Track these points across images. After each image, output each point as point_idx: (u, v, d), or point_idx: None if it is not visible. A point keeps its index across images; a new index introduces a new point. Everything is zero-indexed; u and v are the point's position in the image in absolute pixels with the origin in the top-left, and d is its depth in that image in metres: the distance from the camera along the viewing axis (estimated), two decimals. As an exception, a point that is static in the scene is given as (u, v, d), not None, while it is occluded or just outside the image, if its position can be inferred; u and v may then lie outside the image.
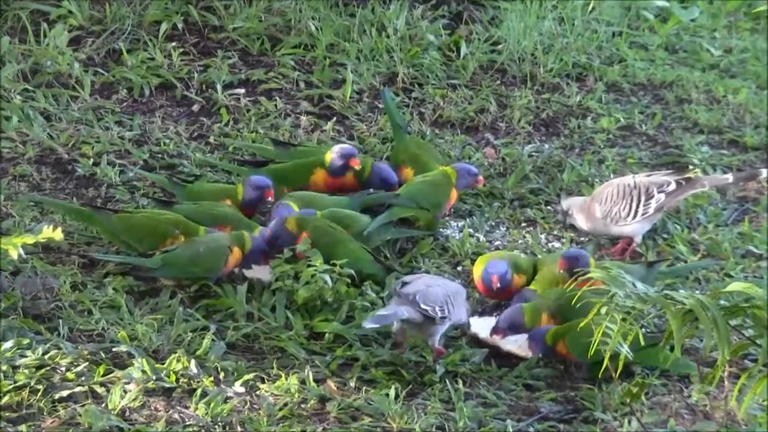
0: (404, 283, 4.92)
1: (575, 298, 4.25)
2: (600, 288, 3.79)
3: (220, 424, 4.42)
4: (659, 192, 5.83)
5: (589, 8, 7.81)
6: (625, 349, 4.17)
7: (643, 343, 3.99)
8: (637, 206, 5.79)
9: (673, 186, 5.85)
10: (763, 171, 6.14)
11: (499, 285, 5.18)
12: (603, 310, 3.81)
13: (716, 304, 3.64)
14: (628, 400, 4.56)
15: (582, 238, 5.94)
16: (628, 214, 5.78)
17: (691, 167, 6.39)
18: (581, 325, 4.20)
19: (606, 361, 4.00)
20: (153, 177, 5.95)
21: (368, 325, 4.77)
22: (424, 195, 5.79)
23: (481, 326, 5.11)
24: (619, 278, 3.78)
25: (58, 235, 3.56)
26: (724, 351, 3.61)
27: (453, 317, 4.86)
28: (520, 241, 5.90)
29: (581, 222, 5.84)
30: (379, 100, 6.76)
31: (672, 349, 4.69)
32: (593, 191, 6.01)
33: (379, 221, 5.60)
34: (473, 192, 6.19)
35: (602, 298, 3.83)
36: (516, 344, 5.01)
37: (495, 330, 4.98)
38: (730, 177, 6.07)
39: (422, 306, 4.77)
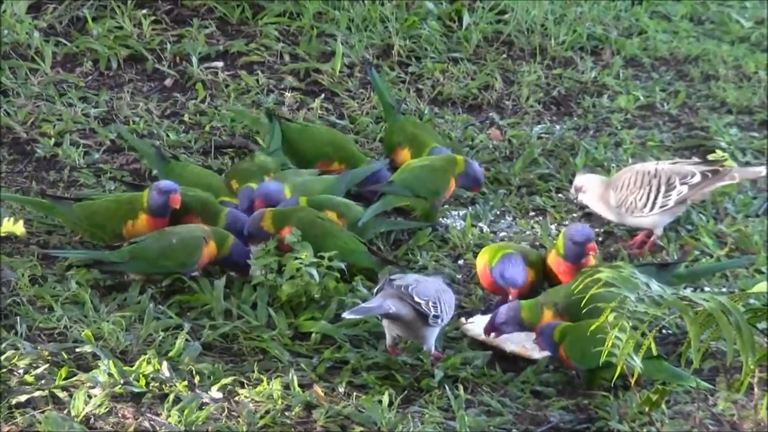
0: (391, 280, 4.92)
1: (584, 301, 4.27)
2: (612, 290, 3.81)
3: (194, 433, 4.45)
4: (682, 183, 5.80)
5: (606, -26, 7.84)
6: (637, 363, 4.20)
7: (655, 353, 4.00)
8: (656, 197, 5.79)
9: (697, 178, 5.82)
10: None
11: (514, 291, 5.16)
12: (611, 317, 3.83)
13: (740, 306, 3.65)
14: (647, 409, 4.57)
15: (597, 229, 5.94)
16: (645, 205, 5.78)
17: (718, 151, 6.38)
18: (591, 328, 4.21)
19: (619, 369, 4.02)
20: (138, 145, 5.93)
21: (348, 315, 4.79)
22: (421, 182, 5.80)
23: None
24: (632, 279, 3.79)
25: (19, 230, 3.59)
26: (747, 359, 3.63)
27: (446, 318, 4.87)
28: (527, 232, 5.91)
29: (595, 203, 5.83)
30: (372, 74, 6.78)
31: (691, 362, 4.70)
32: (613, 175, 6.01)
33: (372, 211, 5.61)
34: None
35: (612, 301, 3.85)
36: (521, 344, 5.04)
37: (489, 327, 4.98)
38: (763, 170, 5.98)
39: (416, 299, 4.78)
